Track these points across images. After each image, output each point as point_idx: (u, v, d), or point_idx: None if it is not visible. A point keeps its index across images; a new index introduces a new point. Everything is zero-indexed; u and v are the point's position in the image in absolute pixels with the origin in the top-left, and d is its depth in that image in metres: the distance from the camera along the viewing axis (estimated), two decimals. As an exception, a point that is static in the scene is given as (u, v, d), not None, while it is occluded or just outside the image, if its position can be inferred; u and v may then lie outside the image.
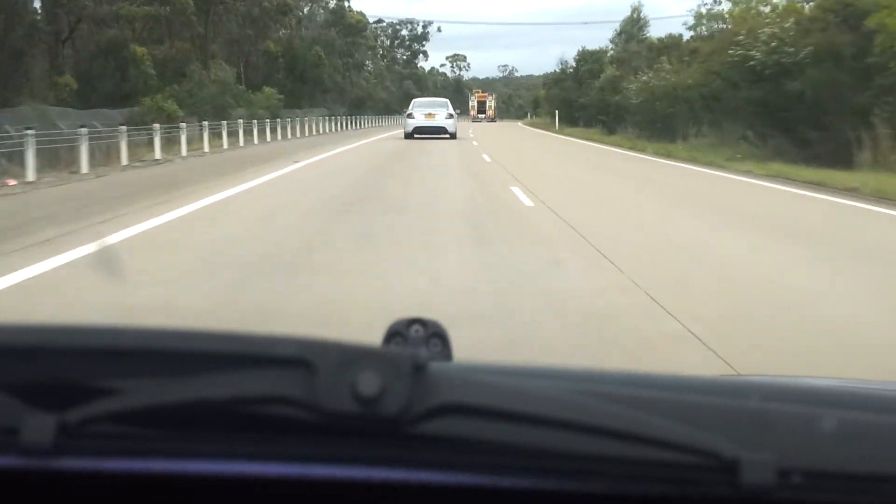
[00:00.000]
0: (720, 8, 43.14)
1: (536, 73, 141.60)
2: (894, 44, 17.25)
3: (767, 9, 26.88)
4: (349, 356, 0.67)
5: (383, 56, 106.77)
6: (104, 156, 19.07)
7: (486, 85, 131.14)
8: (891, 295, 5.89)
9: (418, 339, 0.90)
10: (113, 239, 7.74)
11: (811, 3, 21.64)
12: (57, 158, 17.22)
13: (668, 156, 23.49)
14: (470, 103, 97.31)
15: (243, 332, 0.71)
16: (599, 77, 46.11)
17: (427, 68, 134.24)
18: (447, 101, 37.60)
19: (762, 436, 0.69)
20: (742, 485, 0.66)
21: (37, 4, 35.40)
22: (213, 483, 0.71)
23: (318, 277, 6.18)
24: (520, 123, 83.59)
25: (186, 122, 26.49)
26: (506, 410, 0.67)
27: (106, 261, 6.96)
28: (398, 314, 0.94)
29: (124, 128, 19.34)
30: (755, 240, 8.47)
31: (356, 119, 58.73)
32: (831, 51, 19.20)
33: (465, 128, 47.62)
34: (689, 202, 12.41)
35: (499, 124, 79.36)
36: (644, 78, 34.56)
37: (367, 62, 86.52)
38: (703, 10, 42.96)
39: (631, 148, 28.29)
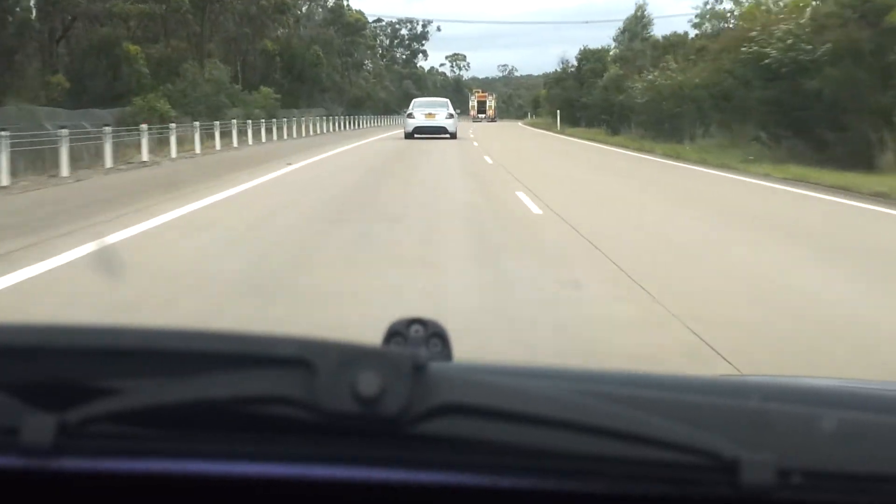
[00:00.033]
0: (721, 7, 42.22)
1: (536, 73, 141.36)
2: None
3: (780, 4, 25.78)
4: (349, 356, 0.67)
5: (382, 55, 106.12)
6: (92, 157, 18.61)
7: (486, 84, 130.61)
8: None
9: (418, 339, 0.89)
10: (68, 256, 6.74)
11: (826, -1, 20.64)
12: (41, 160, 16.28)
13: (678, 157, 22.59)
14: (470, 103, 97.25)
15: (243, 332, 0.71)
16: (602, 76, 45.16)
17: (426, 68, 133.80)
18: (447, 100, 37.61)
19: (762, 436, 0.69)
20: (742, 485, 0.66)
21: (31, 3, 34.44)
22: (213, 483, 0.71)
23: (301, 304, 5.40)
24: (520, 123, 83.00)
25: (180, 123, 25.61)
26: (506, 410, 0.67)
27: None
28: None
29: (109, 128, 18.37)
30: (806, 260, 7.46)
31: (355, 119, 57.79)
32: (851, 48, 18.21)
33: (465, 128, 47.12)
34: (711, 210, 11.39)
35: (499, 124, 79.08)
36: (650, 77, 33.57)
37: (367, 61, 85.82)
38: (710, 8, 41.94)
39: (637, 149, 27.39)
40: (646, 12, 53.40)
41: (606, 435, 0.67)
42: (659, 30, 53.39)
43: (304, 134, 40.11)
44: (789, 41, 20.03)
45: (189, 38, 45.79)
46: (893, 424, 0.75)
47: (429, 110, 34.42)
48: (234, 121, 30.31)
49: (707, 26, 43.04)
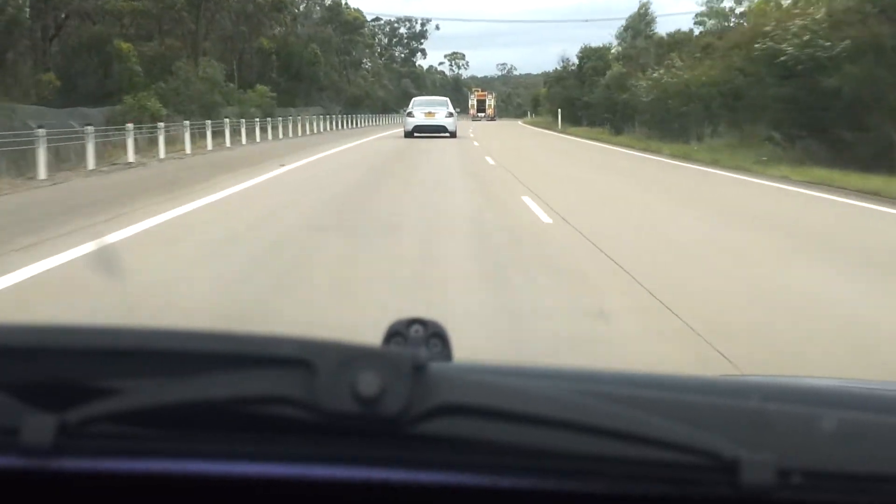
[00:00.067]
0: (723, 5, 41.39)
1: (535, 72, 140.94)
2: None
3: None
4: (349, 356, 0.68)
5: (381, 54, 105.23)
6: (78, 158, 17.96)
7: (485, 83, 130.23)
8: None
9: (418, 339, 0.89)
10: (12, 278, 5.75)
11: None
12: (24, 161, 15.39)
13: (688, 158, 21.67)
14: (469, 102, 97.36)
15: (243, 332, 0.71)
16: (605, 74, 44.12)
17: (425, 67, 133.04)
18: (447, 99, 37.79)
19: (762, 436, 0.69)
20: (742, 485, 0.66)
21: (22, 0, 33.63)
22: (213, 483, 0.71)
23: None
24: (520, 122, 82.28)
25: (172, 122, 24.72)
26: (506, 410, 0.68)
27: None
28: None
29: (91, 128, 17.36)
30: (859, 280, 6.42)
31: (353, 118, 56.91)
32: (872, 43, 17.27)
33: (464, 127, 46.47)
34: (734, 218, 10.40)
35: (498, 123, 78.56)
36: (654, 75, 32.59)
37: (365, 60, 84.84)
38: (714, 7, 41.07)
39: (644, 149, 26.47)
40: (649, 10, 52.34)
41: (606, 435, 0.67)
42: (661, 28, 52.49)
43: (300, 133, 39.38)
44: (806, 37, 19.02)
45: (184, 36, 45.04)
46: (893, 424, 0.75)
47: (428, 109, 34.59)
48: (227, 120, 29.27)
49: (712, 23, 42.15)
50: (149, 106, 29.70)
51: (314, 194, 12.63)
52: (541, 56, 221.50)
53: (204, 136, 26.60)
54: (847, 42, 18.27)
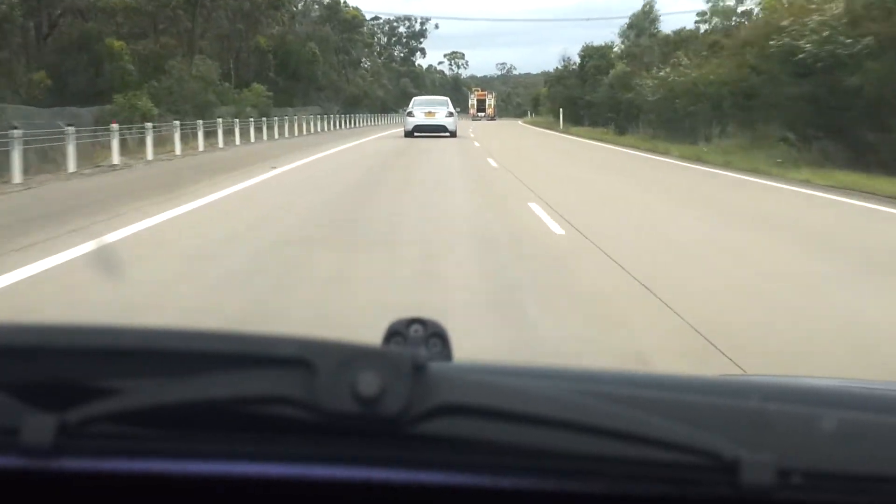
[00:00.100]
0: (727, 3, 40.54)
1: (535, 72, 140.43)
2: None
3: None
4: (349, 356, 0.68)
5: (380, 53, 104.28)
6: (64, 159, 17.19)
7: (484, 83, 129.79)
8: None
9: (418, 338, 0.90)
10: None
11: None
12: (6, 163, 14.49)
13: (698, 160, 20.75)
14: (469, 101, 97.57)
15: (243, 332, 0.71)
16: (608, 73, 43.16)
17: (425, 66, 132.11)
18: (447, 99, 37.99)
19: (762, 436, 0.69)
20: (742, 485, 0.66)
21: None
22: (213, 483, 0.72)
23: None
24: (520, 122, 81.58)
25: (163, 122, 23.80)
26: (506, 410, 0.68)
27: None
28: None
29: (72, 129, 16.39)
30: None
31: (352, 118, 56.02)
32: None
33: (464, 126, 45.86)
34: (782, 234, 9.29)
35: (499, 123, 77.98)
36: (661, 73, 31.60)
37: (364, 59, 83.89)
38: (719, 5, 40.19)
39: (651, 150, 25.56)
40: (654, 7, 51.29)
41: (606, 435, 0.67)
42: (663, 26, 51.50)
43: (296, 133, 38.53)
44: (825, 33, 17.98)
45: (180, 34, 44.19)
46: (893, 424, 0.75)
47: (429, 109, 34.72)
48: (220, 119, 28.28)
49: (716, 21, 41.29)
50: (139, 106, 28.74)
51: (303, 202, 11.61)
52: (540, 56, 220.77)
53: (197, 136, 25.67)
54: (869, 39, 17.29)
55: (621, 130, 37.95)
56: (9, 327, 0.74)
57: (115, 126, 19.38)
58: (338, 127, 50.54)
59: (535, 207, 10.94)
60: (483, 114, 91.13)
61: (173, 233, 8.62)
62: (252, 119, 33.70)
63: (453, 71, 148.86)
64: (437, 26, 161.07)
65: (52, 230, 8.52)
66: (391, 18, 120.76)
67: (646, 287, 6.06)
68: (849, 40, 17.68)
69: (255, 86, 42.55)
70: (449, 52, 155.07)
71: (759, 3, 30.53)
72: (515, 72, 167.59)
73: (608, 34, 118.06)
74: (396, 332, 0.90)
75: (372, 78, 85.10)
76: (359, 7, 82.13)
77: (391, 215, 10.02)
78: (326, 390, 0.66)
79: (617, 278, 6.49)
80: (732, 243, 8.48)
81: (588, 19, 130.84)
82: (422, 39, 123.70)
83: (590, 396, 0.70)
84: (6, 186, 13.82)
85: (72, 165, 16.80)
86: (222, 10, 48.95)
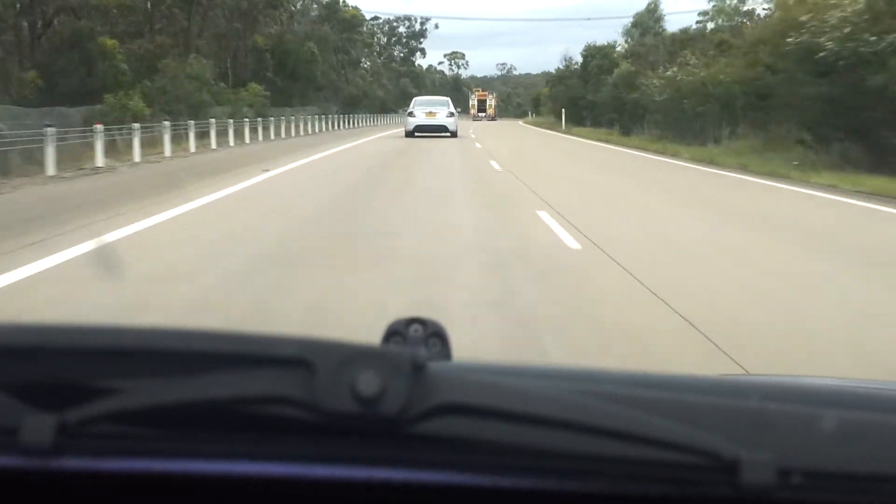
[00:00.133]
0: (730, 3, 39.76)
1: (535, 72, 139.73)
2: None
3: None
4: (349, 356, 0.68)
5: (380, 53, 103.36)
6: (46, 160, 16.39)
7: (484, 83, 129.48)
8: None
9: (417, 338, 0.89)
10: None
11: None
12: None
13: (712, 163, 19.85)
14: (470, 102, 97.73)
15: (243, 331, 0.71)
16: (612, 73, 42.23)
17: (425, 66, 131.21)
18: (448, 99, 38.17)
19: (762, 436, 0.69)
20: (742, 485, 0.67)
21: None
22: (213, 483, 0.72)
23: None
24: (521, 122, 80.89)
25: (157, 122, 22.91)
26: (506, 410, 0.68)
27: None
28: None
29: (52, 129, 15.45)
30: None
31: (351, 118, 55.16)
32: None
33: (465, 126, 45.22)
34: (833, 250, 8.20)
35: (499, 123, 77.45)
36: (668, 73, 30.67)
37: (364, 59, 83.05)
38: (722, 4, 39.40)
39: (660, 152, 24.65)
40: (659, 6, 50.39)
41: (606, 435, 0.67)
42: (665, 26, 50.65)
43: (293, 134, 37.65)
44: (846, 30, 16.97)
45: (176, 33, 43.34)
46: (893, 424, 0.75)
47: (430, 109, 34.88)
48: (213, 120, 27.32)
49: (719, 20, 40.51)
50: (130, 106, 27.76)
51: (291, 212, 10.61)
52: (540, 56, 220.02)
53: (189, 137, 24.79)
54: (894, 36, 16.27)
55: (626, 131, 37.19)
56: (9, 327, 0.74)
57: (98, 127, 18.59)
58: (336, 127, 50.01)
59: (545, 216, 9.99)
60: (484, 114, 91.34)
61: (131, 254, 7.17)
62: (247, 119, 32.75)
63: (453, 71, 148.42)
64: (436, 26, 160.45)
65: (18, 238, 7.74)
66: (391, 18, 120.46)
67: (692, 324, 5.04)
68: (873, 38, 16.69)
69: (252, 85, 41.79)
70: (449, 52, 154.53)
71: (770, 0, 29.74)
72: (515, 72, 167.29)
73: (608, 34, 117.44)
74: (396, 332, 0.90)
75: (371, 78, 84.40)
76: (358, 7, 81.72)
77: (386, 228, 9.00)
78: (326, 390, 0.66)
79: (653, 309, 5.46)
80: (805, 277, 6.87)
81: (589, 19, 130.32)
82: (422, 39, 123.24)
83: (590, 396, 0.70)
84: (-19, 191, 12.88)
85: (51, 168, 16.01)
86: (219, 9, 48.27)
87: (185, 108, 32.19)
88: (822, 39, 17.95)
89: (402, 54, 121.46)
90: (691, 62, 30.98)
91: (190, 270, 6.65)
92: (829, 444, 0.70)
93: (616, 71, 43.23)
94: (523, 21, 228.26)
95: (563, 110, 54.43)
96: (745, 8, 40.05)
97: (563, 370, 0.80)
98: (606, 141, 34.58)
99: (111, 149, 20.48)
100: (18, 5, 34.04)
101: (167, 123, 23.51)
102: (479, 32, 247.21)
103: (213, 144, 26.95)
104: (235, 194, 12.62)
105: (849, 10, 17.65)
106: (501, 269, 6.82)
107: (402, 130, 36.79)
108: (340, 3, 75.27)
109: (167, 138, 22.91)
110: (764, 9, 34.86)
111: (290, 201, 11.78)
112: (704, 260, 7.67)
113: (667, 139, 29.18)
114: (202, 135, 26.58)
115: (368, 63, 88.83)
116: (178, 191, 12.53)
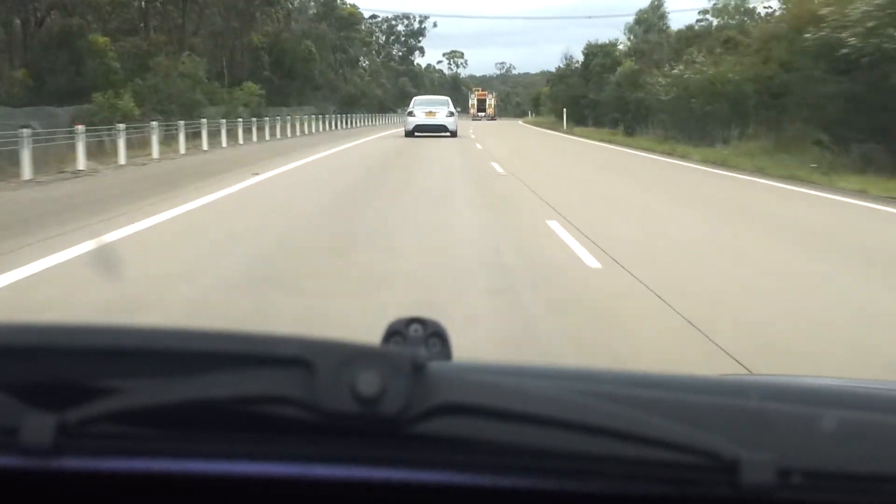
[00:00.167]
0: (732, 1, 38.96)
1: (534, 71, 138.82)
2: None
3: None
4: (349, 356, 0.68)
5: (378, 52, 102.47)
6: (35, 164, 15.83)
7: (483, 82, 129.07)
8: None
9: (417, 338, 0.89)
10: None
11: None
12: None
13: (725, 165, 19.00)
14: (470, 101, 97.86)
15: (243, 331, 0.71)
16: (614, 71, 41.29)
17: (423, 65, 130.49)
18: (448, 98, 38.15)
19: (762, 436, 0.70)
20: (742, 485, 0.67)
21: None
22: (213, 483, 0.72)
23: None
24: (520, 122, 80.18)
25: (146, 122, 22.07)
26: (506, 410, 0.68)
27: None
28: None
29: (27, 131, 14.56)
30: None
31: (349, 118, 54.32)
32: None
33: (464, 126, 44.78)
34: (863, 262, 7.24)
35: (499, 122, 77.11)
36: (675, 71, 29.73)
37: (362, 58, 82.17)
38: (726, 5, 38.51)
39: (667, 153, 23.77)
40: (663, 3, 49.46)
41: (606, 435, 0.68)
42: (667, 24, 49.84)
43: (289, 134, 36.87)
44: (870, 24, 16.01)
45: (171, 31, 42.50)
46: (893, 424, 0.76)
47: (429, 108, 34.89)
48: (205, 120, 26.34)
49: (724, 18, 39.64)
50: (119, 105, 26.82)
51: (277, 222, 9.63)
52: (540, 55, 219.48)
53: (188, 137, 24.12)
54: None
55: (630, 131, 36.17)
56: (9, 327, 0.74)
57: (80, 128, 17.76)
58: (334, 127, 49.48)
59: (557, 227, 9.04)
60: (483, 113, 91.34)
61: (80, 275, 6.21)
62: (241, 119, 31.82)
63: (452, 70, 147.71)
64: (435, 25, 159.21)
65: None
66: (389, 17, 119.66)
67: (742, 365, 4.08)
68: (897, 33, 15.80)
69: (248, 84, 40.86)
70: (448, 51, 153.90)
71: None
72: (515, 71, 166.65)
73: (609, 34, 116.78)
74: (396, 332, 0.89)
75: (370, 77, 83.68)
76: (356, 5, 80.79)
77: (380, 244, 7.95)
78: (326, 390, 0.66)
79: (694, 344, 4.49)
80: (875, 304, 5.87)
81: (590, 17, 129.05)
82: (420, 38, 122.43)
83: (590, 396, 0.70)
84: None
85: (27, 172, 15.19)
86: (215, 7, 47.46)
87: (177, 107, 31.29)
88: (844, 35, 17.05)
89: (400, 53, 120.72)
90: (699, 60, 30.31)
91: (174, 281, 5.99)
92: (829, 444, 0.70)
93: (619, 69, 42.69)
94: (522, 20, 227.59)
95: (565, 110, 53.56)
96: (748, 6, 39.27)
97: (563, 370, 0.80)
98: (610, 141, 34.00)
99: (98, 150, 19.68)
100: (7, 4, 33.29)
101: (155, 124, 22.70)
102: (478, 31, 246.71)
103: (205, 146, 26.35)
104: (222, 200, 11.77)
105: (873, 3, 16.74)
106: (512, 296, 5.83)
107: (401, 130, 36.78)
108: (338, 1, 74.64)
109: (155, 139, 22.23)
110: (764, 7, 34.12)
111: (279, 210, 10.82)
112: (733, 271, 6.80)
113: (673, 140, 28.55)
114: (194, 135, 25.88)
115: (367, 62, 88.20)
116: (161, 196, 11.83)
